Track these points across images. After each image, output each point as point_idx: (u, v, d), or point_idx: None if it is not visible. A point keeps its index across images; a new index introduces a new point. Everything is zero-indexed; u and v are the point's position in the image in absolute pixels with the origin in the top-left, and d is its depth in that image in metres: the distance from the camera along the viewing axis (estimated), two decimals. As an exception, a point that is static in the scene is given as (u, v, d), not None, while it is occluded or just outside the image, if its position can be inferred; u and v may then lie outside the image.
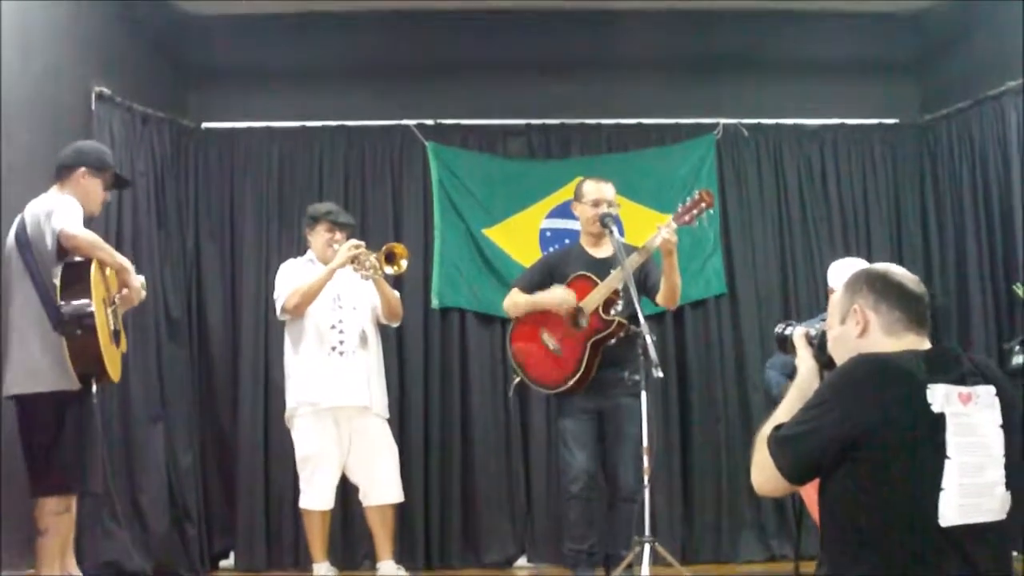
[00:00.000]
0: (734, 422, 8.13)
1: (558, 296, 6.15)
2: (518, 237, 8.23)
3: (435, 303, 8.11)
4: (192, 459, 7.81)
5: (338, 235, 6.65)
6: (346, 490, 6.86)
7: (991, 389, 3.00)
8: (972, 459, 2.94)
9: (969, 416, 2.95)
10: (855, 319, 3.16)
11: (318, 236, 6.70)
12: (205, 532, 7.83)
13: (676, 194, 8.18)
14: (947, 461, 2.90)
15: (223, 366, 8.08)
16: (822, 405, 3.02)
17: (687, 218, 6.05)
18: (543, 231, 8.23)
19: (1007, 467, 3.00)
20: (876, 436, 2.91)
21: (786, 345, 3.65)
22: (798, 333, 3.56)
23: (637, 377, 5.89)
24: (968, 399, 2.96)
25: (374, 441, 6.55)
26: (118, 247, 6.34)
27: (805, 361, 3.45)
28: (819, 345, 3.44)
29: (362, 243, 6.52)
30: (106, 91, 7.19)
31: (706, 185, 8.16)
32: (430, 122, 8.38)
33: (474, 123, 8.49)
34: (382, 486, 6.54)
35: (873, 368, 3.01)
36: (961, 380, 2.98)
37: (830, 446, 2.96)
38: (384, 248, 6.47)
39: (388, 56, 8.47)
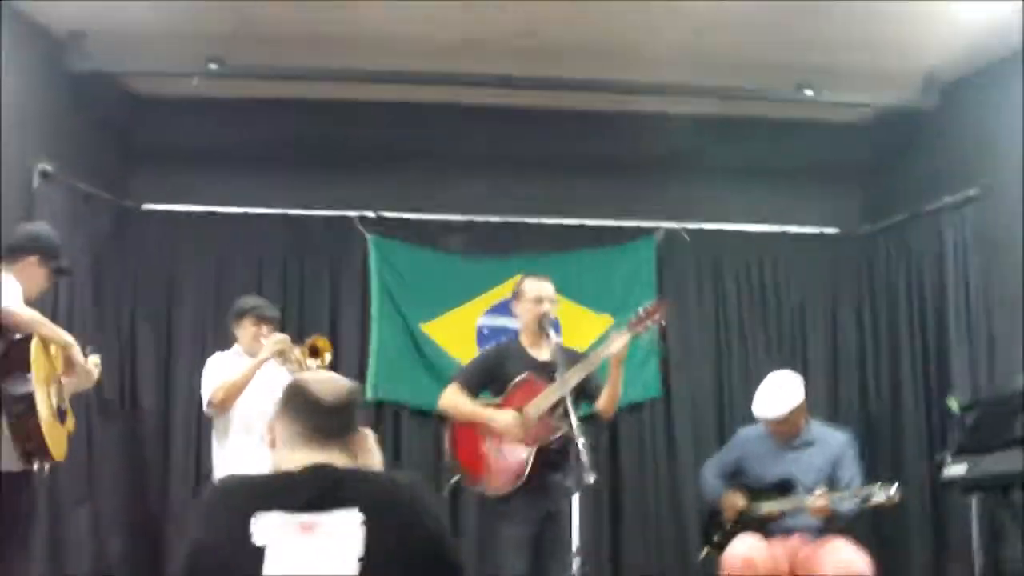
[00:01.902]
0: (666, 524, 8.14)
1: (507, 424, 5.90)
2: (455, 333, 8.22)
3: (369, 394, 8.04)
4: (122, 544, 7.67)
5: (264, 328, 6.60)
6: None
7: (354, 517, 2.69)
8: None
9: (306, 547, 2.66)
10: (271, 430, 2.98)
11: (244, 330, 6.66)
12: (134, 621, 7.68)
13: (615, 295, 8.27)
14: None
15: (154, 450, 7.96)
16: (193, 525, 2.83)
17: (640, 328, 5.94)
18: (480, 328, 8.24)
19: None
20: (204, 567, 2.70)
21: None
22: None
23: (570, 482, 5.73)
24: (310, 528, 2.68)
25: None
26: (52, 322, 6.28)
27: None
28: None
29: (287, 337, 6.52)
30: (49, 168, 7.13)
31: (645, 287, 8.28)
32: (371, 214, 8.38)
33: (416, 217, 8.48)
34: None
35: (215, 494, 2.87)
36: (309, 506, 2.70)
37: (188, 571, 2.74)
38: (307, 342, 6.48)
39: (333, 145, 8.51)
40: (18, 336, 5.16)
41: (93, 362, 5.80)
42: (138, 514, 7.89)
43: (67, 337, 5.41)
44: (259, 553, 2.63)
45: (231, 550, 2.66)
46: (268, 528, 2.66)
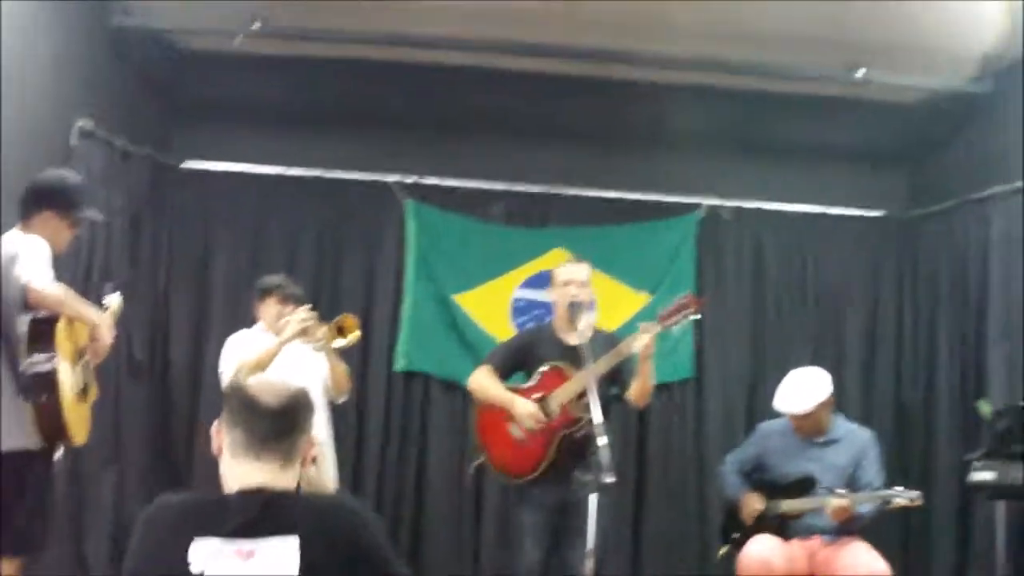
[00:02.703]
0: (690, 514, 8.11)
1: (526, 413, 5.83)
2: (490, 305, 8.16)
3: (400, 365, 8.05)
4: (143, 509, 7.64)
5: (288, 308, 6.50)
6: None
7: (291, 542, 2.67)
8: None
9: (247, 573, 2.64)
10: (217, 436, 2.91)
11: (268, 308, 6.59)
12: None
13: (654, 272, 8.16)
14: None
15: (183, 415, 7.95)
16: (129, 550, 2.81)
17: (671, 322, 5.73)
18: (515, 300, 8.18)
19: None
20: None
21: None
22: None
23: (589, 477, 5.62)
24: (249, 555, 2.66)
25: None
26: (86, 281, 6.24)
27: None
28: None
29: (311, 315, 6.35)
30: (88, 126, 7.03)
31: (685, 265, 8.19)
32: (410, 180, 8.31)
33: (455, 184, 8.39)
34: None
35: (152, 516, 2.83)
36: (240, 531, 2.68)
37: None
38: (335, 320, 6.39)
39: (374, 108, 8.39)
40: (43, 314, 4.93)
41: (112, 305, 5.64)
42: (164, 478, 7.78)
43: (93, 317, 5.17)
44: None
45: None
46: (204, 554, 2.65)
